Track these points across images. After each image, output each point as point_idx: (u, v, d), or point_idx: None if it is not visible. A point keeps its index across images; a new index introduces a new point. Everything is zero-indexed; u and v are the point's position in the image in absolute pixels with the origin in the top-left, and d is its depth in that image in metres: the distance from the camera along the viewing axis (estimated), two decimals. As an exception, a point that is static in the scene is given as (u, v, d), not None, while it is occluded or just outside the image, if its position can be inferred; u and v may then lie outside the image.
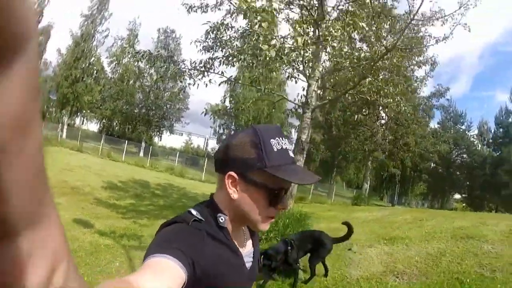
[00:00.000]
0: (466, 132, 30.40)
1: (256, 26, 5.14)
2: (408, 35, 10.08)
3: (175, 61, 8.32)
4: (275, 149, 0.88)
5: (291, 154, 0.92)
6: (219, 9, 7.82)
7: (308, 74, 6.89)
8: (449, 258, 5.33)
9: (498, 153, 27.64)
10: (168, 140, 39.10)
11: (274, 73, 8.75)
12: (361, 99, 8.28)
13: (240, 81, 9.43)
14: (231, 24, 7.74)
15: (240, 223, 0.95)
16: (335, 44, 6.08)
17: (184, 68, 7.86)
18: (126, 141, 24.79)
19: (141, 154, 27.30)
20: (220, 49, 7.91)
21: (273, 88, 10.58)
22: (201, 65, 7.71)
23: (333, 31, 5.56)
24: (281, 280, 4.86)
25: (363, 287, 4.79)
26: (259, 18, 5.00)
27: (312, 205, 15.33)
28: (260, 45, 5.27)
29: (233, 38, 7.93)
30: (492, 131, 30.05)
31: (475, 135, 30.68)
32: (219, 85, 7.93)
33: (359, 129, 19.81)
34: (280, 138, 0.91)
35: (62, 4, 46.90)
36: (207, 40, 7.89)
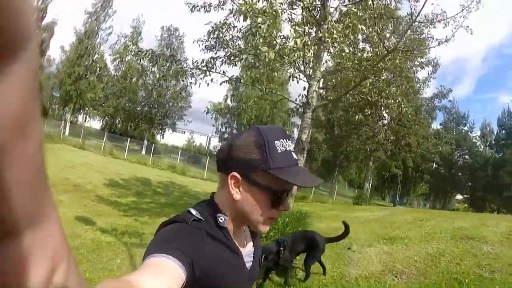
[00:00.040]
0: (469, 133, 30.32)
1: (255, 29, 5.17)
2: (410, 36, 10.08)
3: (177, 60, 8.35)
4: (279, 151, 0.88)
5: (294, 156, 0.92)
6: (222, 8, 7.85)
7: (309, 75, 6.91)
8: (448, 259, 5.34)
9: (500, 155, 27.60)
10: (170, 138, 39.14)
11: (276, 73, 8.77)
12: (363, 100, 8.29)
13: (242, 81, 9.43)
14: (233, 24, 7.77)
15: (241, 223, 0.95)
16: (335, 46, 6.09)
17: (186, 67, 7.90)
18: (129, 139, 24.85)
19: (143, 152, 27.35)
20: (222, 48, 7.94)
21: (275, 87, 10.59)
22: (203, 64, 7.74)
23: (334, 32, 5.57)
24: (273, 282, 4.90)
25: (362, 286, 4.81)
26: (259, 20, 5.03)
27: (313, 204, 15.36)
28: (260, 47, 5.30)
29: (235, 38, 7.96)
30: (495, 132, 30.08)
31: (477, 137, 30.66)
32: (220, 84, 7.97)
33: (361, 129, 19.82)
34: (284, 139, 0.91)
35: (66, 1, 46.98)
36: (209, 40, 7.92)
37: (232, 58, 7.83)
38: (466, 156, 29.73)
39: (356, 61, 7.14)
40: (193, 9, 7.99)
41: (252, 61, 7.88)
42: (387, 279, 4.96)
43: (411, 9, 7.10)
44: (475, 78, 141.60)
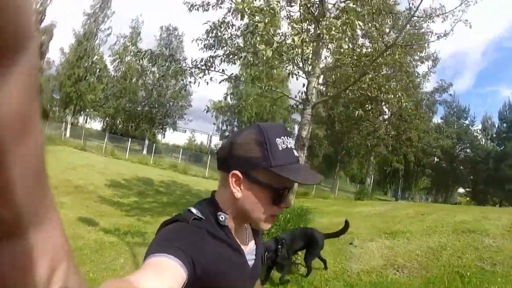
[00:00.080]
0: (470, 127, 30.33)
1: (252, 27, 5.17)
2: (409, 31, 10.05)
3: (176, 59, 8.36)
4: (280, 148, 0.87)
5: (295, 153, 0.92)
6: (220, 7, 7.84)
7: (308, 71, 6.92)
8: (450, 252, 5.36)
9: (501, 148, 27.63)
10: (171, 137, 39.14)
11: (275, 70, 8.77)
12: (363, 95, 8.28)
13: (241, 79, 9.44)
14: (232, 22, 7.76)
15: (242, 221, 0.95)
16: (333, 43, 6.09)
17: (185, 66, 7.91)
18: (130, 139, 24.89)
19: (145, 151, 27.38)
20: (221, 47, 7.94)
21: (275, 84, 10.59)
22: (202, 63, 7.74)
23: (333, 28, 5.57)
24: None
25: (364, 280, 4.83)
26: (257, 18, 5.03)
27: (315, 200, 15.40)
28: (257, 45, 5.31)
29: (234, 36, 7.95)
30: (496, 126, 30.10)
31: (478, 130, 30.69)
32: (220, 82, 7.98)
33: (362, 124, 19.81)
34: (285, 137, 0.90)
35: (64, 3, 47.04)
36: (208, 39, 7.92)
37: (231, 56, 7.83)
38: (468, 150, 29.74)
39: (355, 57, 7.14)
40: (192, 8, 7.97)
41: (251, 59, 7.88)
42: (389, 273, 4.98)
43: (409, 3, 7.08)
44: (475, 72, 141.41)
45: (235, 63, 8.06)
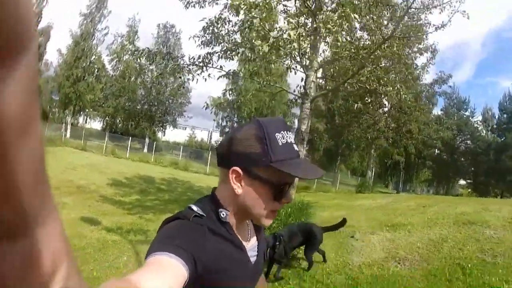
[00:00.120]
0: (470, 118, 30.26)
1: (248, 23, 5.16)
2: (407, 23, 10.01)
3: (174, 57, 8.35)
4: (280, 143, 0.86)
5: (296, 148, 0.91)
6: (216, 3, 7.82)
7: (306, 65, 6.91)
8: (451, 244, 5.37)
9: (502, 139, 27.58)
10: (172, 134, 39.19)
11: (273, 65, 8.76)
12: (362, 88, 8.27)
13: (240, 74, 9.43)
14: (228, 18, 7.75)
15: (244, 217, 0.94)
16: (330, 36, 6.07)
17: (183, 64, 7.90)
18: (130, 138, 24.89)
19: (145, 150, 27.39)
20: (218, 43, 7.93)
21: (274, 79, 10.58)
22: (200, 60, 7.73)
23: (330, 22, 5.56)
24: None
25: (365, 273, 4.85)
26: (253, 13, 5.02)
27: (317, 194, 15.42)
28: (253, 41, 5.30)
29: (231, 32, 7.94)
30: (496, 117, 30.00)
31: (479, 121, 30.62)
32: (218, 79, 7.98)
33: (362, 117, 19.78)
34: (285, 131, 0.89)
35: (61, 4, 46.94)
36: (205, 35, 7.91)
37: (229, 52, 7.82)
38: (468, 141, 29.70)
39: (353, 50, 7.12)
40: (188, 5, 7.96)
41: (249, 54, 7.87)
42: (390, 266, 5.00)
43: (405, -5, 7.06)
44: (475, 63, 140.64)
45: (232, 59, 8.05)
